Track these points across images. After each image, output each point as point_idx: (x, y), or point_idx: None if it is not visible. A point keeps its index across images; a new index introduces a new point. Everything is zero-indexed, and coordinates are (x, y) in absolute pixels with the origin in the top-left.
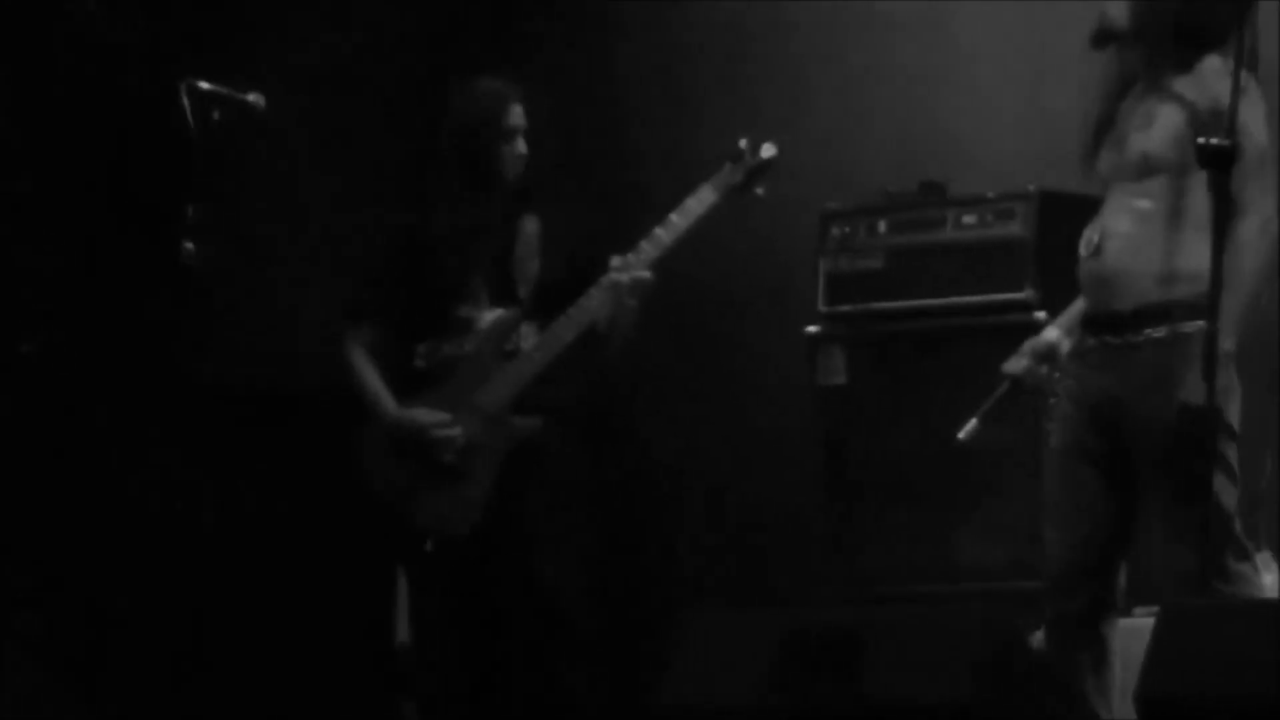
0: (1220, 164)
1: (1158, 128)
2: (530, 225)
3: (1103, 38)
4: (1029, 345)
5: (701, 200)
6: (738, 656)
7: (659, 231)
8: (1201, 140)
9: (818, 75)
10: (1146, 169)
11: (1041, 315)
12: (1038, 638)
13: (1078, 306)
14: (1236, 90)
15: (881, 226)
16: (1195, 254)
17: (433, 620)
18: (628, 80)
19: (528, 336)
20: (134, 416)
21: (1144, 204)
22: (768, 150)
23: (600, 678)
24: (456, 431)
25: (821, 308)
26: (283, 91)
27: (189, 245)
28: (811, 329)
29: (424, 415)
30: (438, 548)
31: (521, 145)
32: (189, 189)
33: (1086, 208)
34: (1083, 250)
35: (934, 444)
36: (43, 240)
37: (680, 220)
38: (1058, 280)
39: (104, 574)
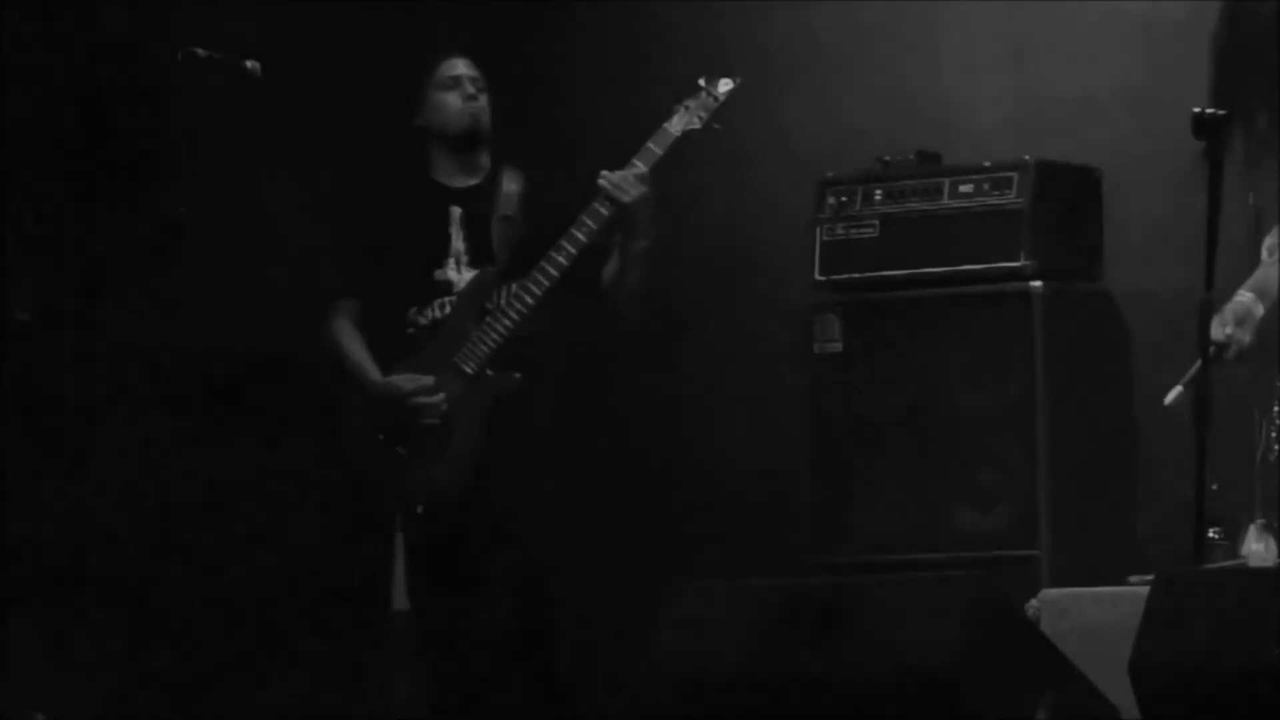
0: (1212, 133)
1: None
2: (511, 184)
3: None
4: (1228, 309)
5: (661, 140)
6: (727, 625)
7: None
8: (1197, 110)
9: (814, 45)
10: None
11: (1038, 284)
12: (1032, 606)
13: (1266, 272)
14: None
15: (878, 195)
16: None
17: (427, 586)
18: (624, 47)
19: (506, 294)
20: (122, 382)
21: None
22: (724, 85)
23: (587, 647)
24: (439, 397)
25: (818, 276)
26: (274, 55)
27: (183, 210)
28: (807, 297)
29: (405, 382)
30: (429, 511)
31: (473, 97)
32: (181, 154)
33: (1081, 177)
34: (1264, 255)
35: (928, 411)
36: (28, 206)
37: (642, 164)
38: (1053, 249)
39: (93, 541)
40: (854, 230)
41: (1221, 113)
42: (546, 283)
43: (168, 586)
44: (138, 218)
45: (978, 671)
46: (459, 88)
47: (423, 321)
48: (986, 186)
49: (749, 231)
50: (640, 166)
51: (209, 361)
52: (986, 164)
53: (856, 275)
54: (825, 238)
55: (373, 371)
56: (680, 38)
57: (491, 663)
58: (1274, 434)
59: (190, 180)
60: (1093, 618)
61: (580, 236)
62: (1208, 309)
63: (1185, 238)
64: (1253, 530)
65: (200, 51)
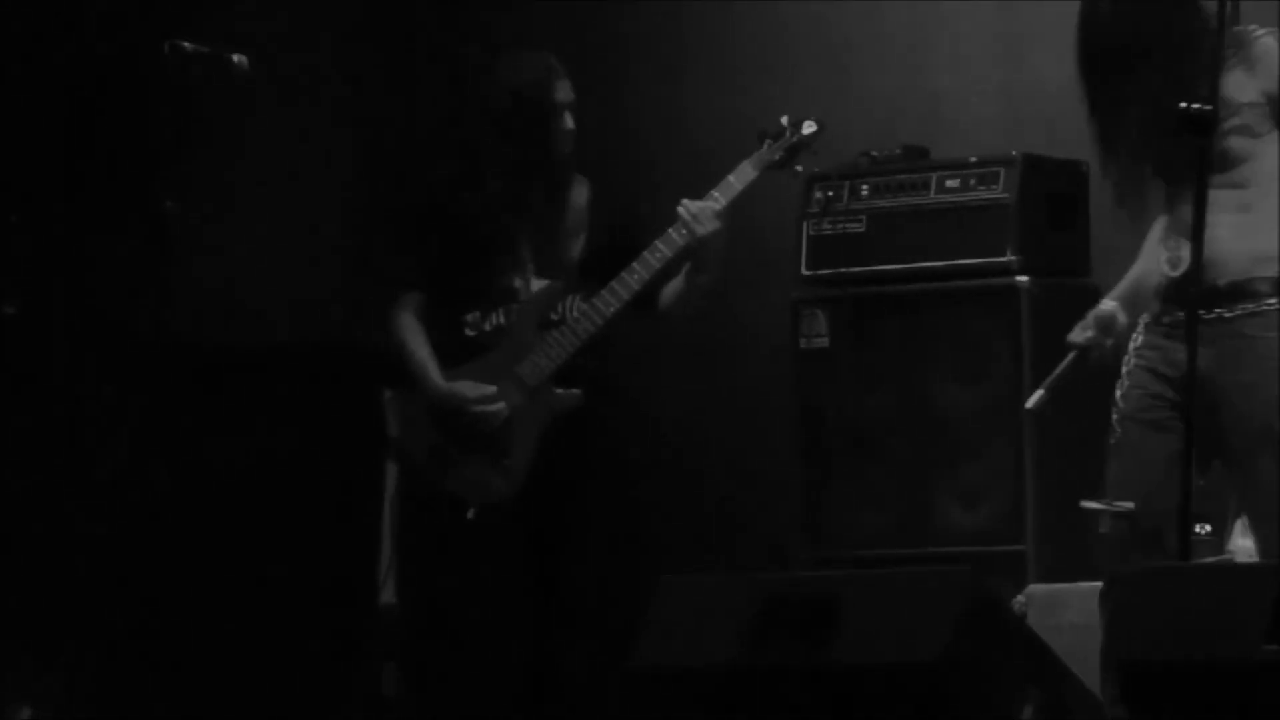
0: (1199, 129)
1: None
2: (580, 193)
3: None
4: (1092, 316)
5: (742, 177)
6: (713, 620)
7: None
8: (1183, 104)
9: (803, 41)
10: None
11: (1025, 279)
12: (1018, 601)
13: (1131, 278)
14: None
15: (864, 190)
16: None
17: (429, 584)
18: (617, 45)
19: (573, 308)
20: (108, 375)
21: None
22: (808, 127)
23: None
24: (499, 407)
25: (804, 271)
26: (261, 49)
27: (169, 204)
28: (794, 292)
29: (468, 389)
30: (479, 515)
31: (569, 120)
32: (168, 147)
33: (1068, 171)
34: (1167, 268)
35: (914, 407)
36: (14, 200)
37: (722, 197)
38: (1040, 244)
39: (79, 534)
40: (841, 225)
41: (1209, 108)
42: (616, 304)
43: (155, 580)
44: (125, 211)
45: (964, 667)
46: (565, 114)
47: (486, 327)
48: (973, 181)
49: (735, 226)
50: (720, 200)
51: (196, 355)
52: (973, 159)
53: (843, 270)
54: (812, 233)
55: (436, 373)
56: (668, 31)
57: (489, 659)
58: (1115, 417)
59: (177, 174)
60: (1079, 613)
61: (653, 262)
62: (1195, 303)
63: None
64: (1239, 526)
65: (187, 45)
